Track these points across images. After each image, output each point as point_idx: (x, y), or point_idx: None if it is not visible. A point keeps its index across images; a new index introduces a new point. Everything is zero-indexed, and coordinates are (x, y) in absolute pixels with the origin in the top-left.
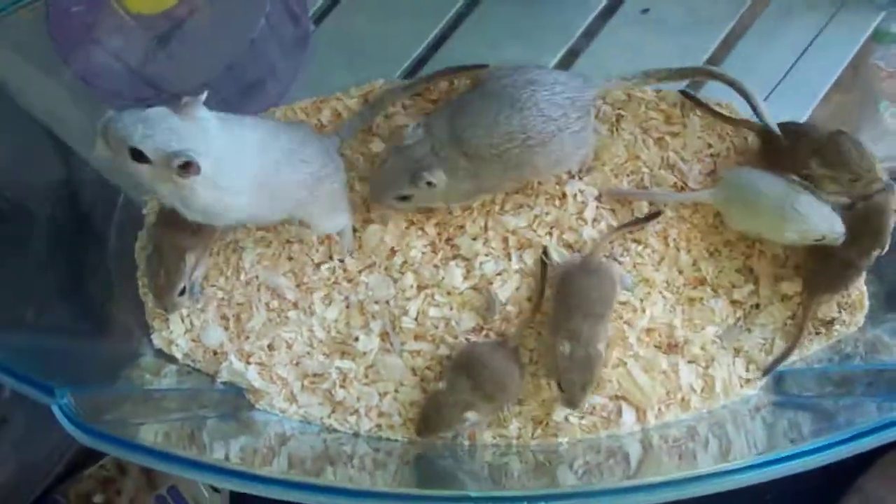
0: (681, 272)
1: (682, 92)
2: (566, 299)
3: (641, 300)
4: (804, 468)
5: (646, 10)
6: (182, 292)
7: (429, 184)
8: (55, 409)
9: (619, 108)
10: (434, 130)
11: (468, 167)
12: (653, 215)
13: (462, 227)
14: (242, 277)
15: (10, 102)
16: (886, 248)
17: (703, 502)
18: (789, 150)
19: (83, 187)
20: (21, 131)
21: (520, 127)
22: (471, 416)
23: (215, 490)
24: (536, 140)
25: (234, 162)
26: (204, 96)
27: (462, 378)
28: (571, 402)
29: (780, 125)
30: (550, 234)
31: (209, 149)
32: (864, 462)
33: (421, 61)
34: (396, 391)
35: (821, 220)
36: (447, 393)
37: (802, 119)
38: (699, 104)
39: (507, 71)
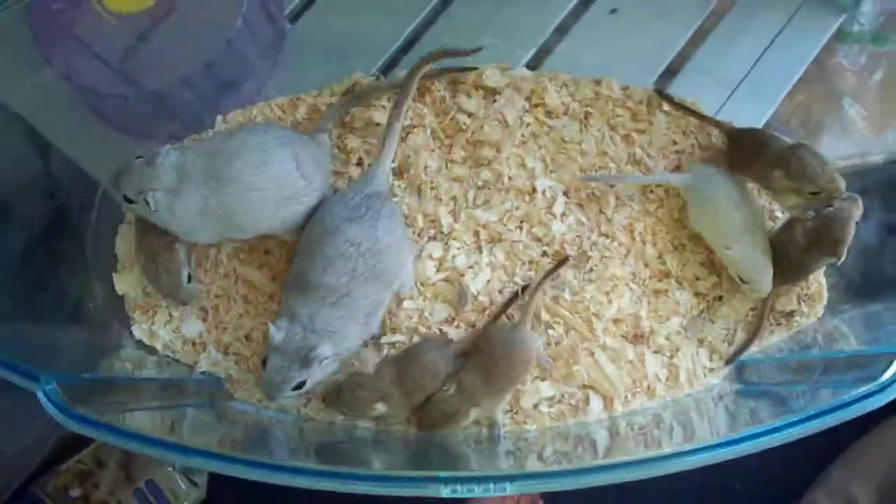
0: (647, 265)
1: (656, 90)
2: (479, 358)
3: (608, 292)
4: (762, 447)
5: (613, 11)
6: (189, 279)
7: (323, 360)
8: (40, 395)
9: (587, 106)
10: (295, 311)
11: (343, 313)
12: (563, 261)
13: (434, 221)
14: (221, 270)
15: None
16: (843, 258)
17: (674, 492)
18: (753, 157)
19: (61, 182)
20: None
21: (347, 242)
22: (380, 406)
23: (193, 483)
24: (369, 243)
25: (182, 193)
26: (167, 147)
27: (390, 367)
28: (419, 425)
29: (744, 131)
30: (521, 227)
31: (160, 185)
32: (831, 451)
33: (395, 59)
34: None
35: (755, 267)
36: (371, 378)
37: (767, 115)
38: (670, 101)
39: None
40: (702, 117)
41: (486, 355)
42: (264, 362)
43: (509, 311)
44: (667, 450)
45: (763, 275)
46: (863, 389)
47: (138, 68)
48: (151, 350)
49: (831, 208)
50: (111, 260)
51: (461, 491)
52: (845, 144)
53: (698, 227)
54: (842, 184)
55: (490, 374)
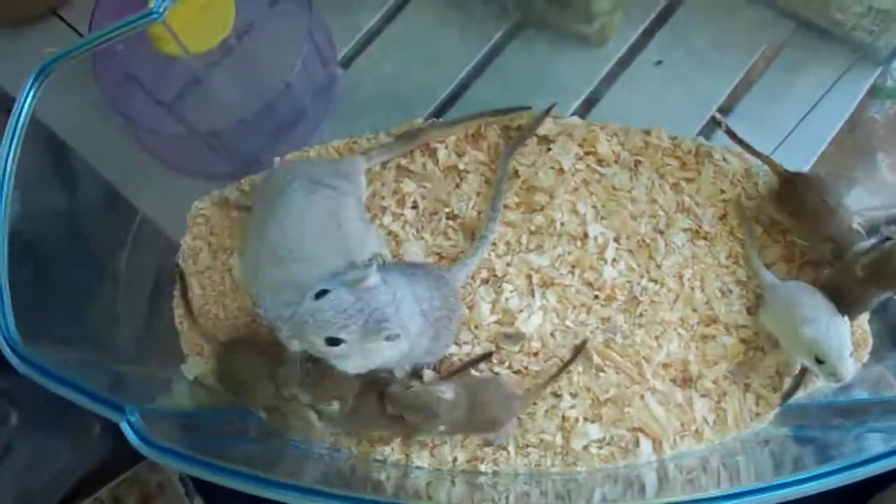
0: (695, 310)
1: (716, 121)
2: (474, 399)
3: (657, 337)
4: (811, 492)
5: (659, 62)
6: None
7: (388, 338)
8: (124, 426)
9: (636, 154)
10: (391, 284)
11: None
12: (485, 355)
13: (488, 264)
14: None
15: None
16: None
17: None
18: (807, 219)
19: (98, 219)
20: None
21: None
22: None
23: None
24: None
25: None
26: (374, 268)
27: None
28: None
29: (801, 184)
30: (572, 272)
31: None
32: (877, 485)
33: (445, 105)
34: None
35: (840, 357)
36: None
37: (808, 166)
38: (733, 136)
39: None
40: (758, 154)
41: (480, 403)
42: (319, 294)
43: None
44: (728, 489)
45: (842, 353)
46: None
47: (197, 109)
48: (203, 386)
49: (892, 241)
50: (143, 300)
51: None
52: (875, 197)
53: (772, 328)
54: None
55: (472, 416)
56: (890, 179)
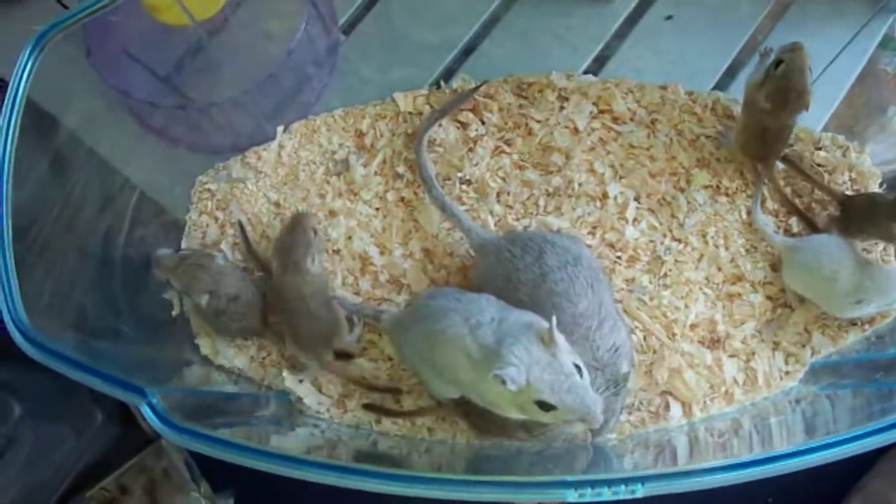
0: (720, 269)
1: (784, 158)
2: None
3: (683, 297)
4: (841, 456)
5: (669, 17)
6: None
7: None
8: (144, 408)
9: (653, 111)
10: None
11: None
12: None
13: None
14: None
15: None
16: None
17: (702, 501)
18: (868, 216)
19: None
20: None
21: None
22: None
23: None
24: None
25: None
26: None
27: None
28: None
29: (855, 195)
30: (593, 234)
31: None
32: (867, 462)
33: (451, 70)
34: None
35: (888, 290)
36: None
37: (824, 119)
38: (792, 165)
39: None
40: (819, 185)
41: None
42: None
43: None
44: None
45: (889, 286)
46: None
47: (196, 80)
48: (218, 367)
49: (782, 65)
50: (145, 280)
51: (589, 495)
52: (887, 149)
53: (800, 289)
54: None
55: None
56: None
